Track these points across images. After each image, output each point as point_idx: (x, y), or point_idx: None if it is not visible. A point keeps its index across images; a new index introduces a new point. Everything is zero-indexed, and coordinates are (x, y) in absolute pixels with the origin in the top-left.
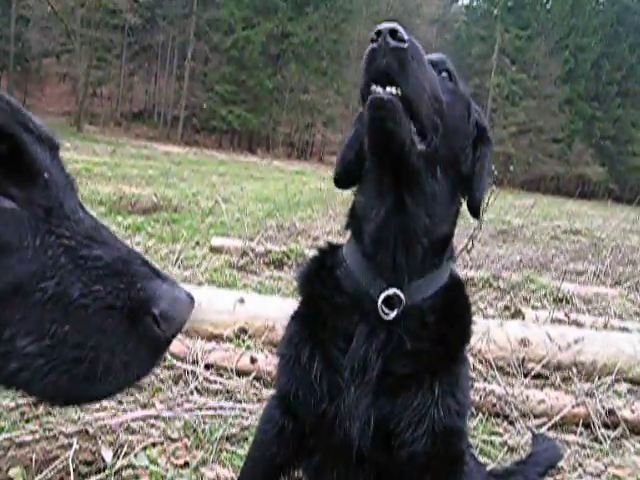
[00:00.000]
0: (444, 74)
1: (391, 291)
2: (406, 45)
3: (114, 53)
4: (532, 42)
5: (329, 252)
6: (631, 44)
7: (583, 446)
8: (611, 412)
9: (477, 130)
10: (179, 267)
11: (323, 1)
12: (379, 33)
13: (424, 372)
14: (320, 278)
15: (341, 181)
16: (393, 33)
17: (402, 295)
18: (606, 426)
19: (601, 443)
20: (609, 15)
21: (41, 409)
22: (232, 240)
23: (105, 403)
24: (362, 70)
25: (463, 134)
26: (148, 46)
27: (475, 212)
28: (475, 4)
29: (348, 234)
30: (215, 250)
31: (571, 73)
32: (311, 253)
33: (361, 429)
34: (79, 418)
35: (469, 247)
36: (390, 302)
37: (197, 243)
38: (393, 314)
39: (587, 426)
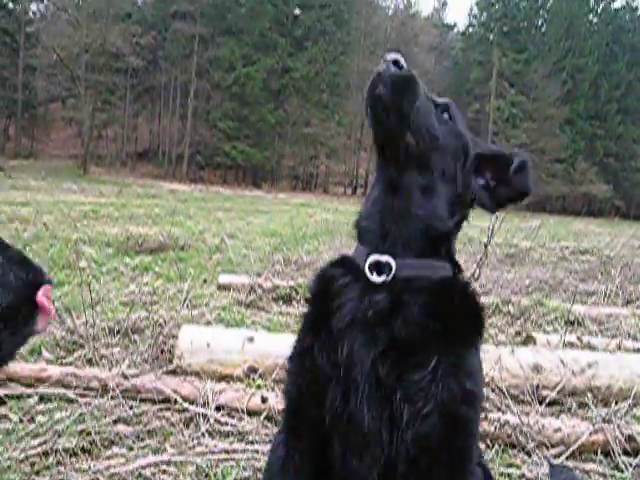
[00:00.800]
0: (445, 115)
1: (378, 257)
2: (404, 72)
3: (118, 95)
4: (529, 65)
5: (338, 259)
6: (628, 62)
7: (604, 475)
8: (631, 438)
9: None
10: (187, 307)
11: (321, 35)
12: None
13: (425, 346)
14: (330, 269)
15: None
16: (395, 62)
17: (392, 262)
18: (626, 453)
19: (622, 471)
20: (604, 35)
21: (51, 459)
22: (239, 277)
23: (116, 450)
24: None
25: (454, 162)
26: (151, 87)
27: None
28: (471, 30)
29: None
30: (223, 288)
31: (570, 93)
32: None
33: (365, 377)
34: (90, 467)
35: (476, 274)
36: (380, 269)
37: (204, 281)
38: (381, 278)
39: (607, 454)
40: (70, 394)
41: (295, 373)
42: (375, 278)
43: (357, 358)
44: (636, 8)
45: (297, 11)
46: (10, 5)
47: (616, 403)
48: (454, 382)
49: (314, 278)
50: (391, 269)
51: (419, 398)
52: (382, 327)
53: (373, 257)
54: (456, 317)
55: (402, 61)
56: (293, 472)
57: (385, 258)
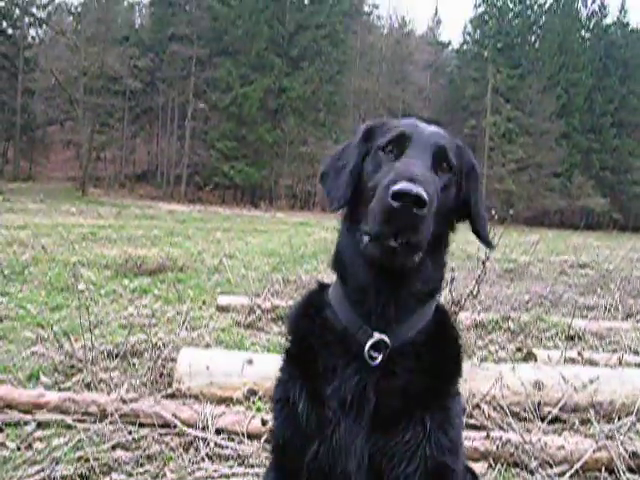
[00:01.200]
0: (442, 172)
1: (377, 337)
2: (426, 211)
3: (116, 117)
4: (524, 80)
5: (318, 292)
6: (620, 76)
7: None
8: (635, 455)
9: (466, 169)
10: (186, 329)
11: (317, 55)
12: (399, 196)
13: (415, 407)
14: (308, 318)
15: (340, 208)
16: (417, 202)
17: (388, 340)
18: (631, 470)
19: None
20: (596, 50)
21: None
22: (238, 298)
23: (115, 476)
24: (378, 220)
25: (449, 213)
26: (149, 108)
27: (487, 244)
28: (465, 48)
29: (334, 276)
30: (222, 309)
31: (565, 108)
32: (303, 293)
33: (357, 464)
34: None
35: (475, 292)
36: (377, 345)
37: (204, 302)
38: (378, 360)
39: (611, 471)
40: (68, 420)
41: (280, 419)
42: (374, 362)
43: (349, 440)
44: (627, 24)
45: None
46: (9, 30)
47: (619, 419)
48: (443, 436)
49: (292, 317)
50: (387, 347)
51: (408, 457)
52: (373, 406)
53: (371, 341)
54: (441, 369)
55: (424, 197)
56: None
57: (381, 337)
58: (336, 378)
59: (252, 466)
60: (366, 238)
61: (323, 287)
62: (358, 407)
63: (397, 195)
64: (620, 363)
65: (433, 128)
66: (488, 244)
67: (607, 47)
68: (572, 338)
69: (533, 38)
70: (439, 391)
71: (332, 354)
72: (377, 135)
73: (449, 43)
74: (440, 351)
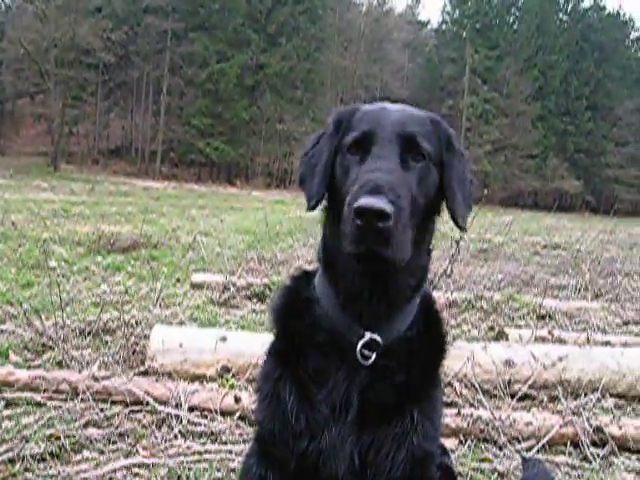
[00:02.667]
0: (415, 162)
1: (369, 337)
2: (391, 223)
3: (89, 91)
4: (502, 62)
5: (303, 281)
6: (596, 60)
7: (573, 467)
8: (599, 429)
9: (445, 142)
10: (160, 306)
11: (295, 31)
12: (361, 214)
13: (405, 402)
14: (296, 313)
15: (314, 208)
16: (379, 216)
17: (379, 339)
18: (595, 444)
19: (591, 462)
20: (573, 33)
21: (18, 466)
22: (213, 275)
23: (86, 454)
24: (349, 239)
25: (434, 193)
26: (123, 83)
27: (461, 228)
28: (444, 27)
29: (317, 263)
30: (196, 286)
31: (541, 90)
32: (285, 282)
33: (347, 466)
34: (59, 473)
35: (448, 272)
36: (368, 345)
37: (178, 280)
38: (371, 360)
39: (576, 445)
40: (38, 398)
41: (267, 412)
42: (365, 362)
43: (340, 443)
44: (604, 8)
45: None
46: None
47: (585, 395)
48: (429, 425)
49: (278, 311)
50: (378, 345)
51: (395, 448)
52: (362, 403)
53: (362, 341)
54: (429, 361)
55: (388, 210)
56: None
57: (373, 336)
58: (327, 381)
59: (225, 443)
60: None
61: (307, 275)
62: (349, 411)
63: (359, 213)
64: (588, 342)
65: (400, 113)
66: (460, 226)
67: (584, 30)
68: (543, 317)
69: (511, 19)
70: (427, 382)
71: (322, 355)
72: (346, 126)
73: (428, 22)
74: (428, 343)
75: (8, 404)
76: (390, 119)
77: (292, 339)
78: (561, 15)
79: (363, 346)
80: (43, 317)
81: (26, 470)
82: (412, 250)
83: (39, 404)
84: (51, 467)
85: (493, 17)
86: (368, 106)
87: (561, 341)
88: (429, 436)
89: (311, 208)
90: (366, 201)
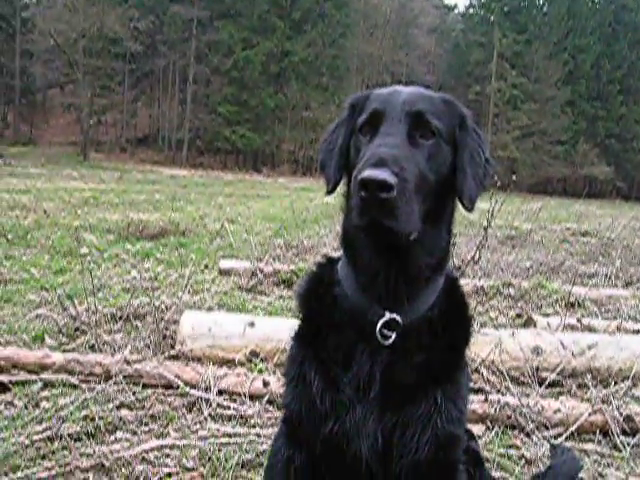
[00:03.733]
0: (424, 139)
1: (388, 316)
2: (394, 194)
3: (116, 80)
4: (530, 46)
5: (327, 267)
6: (630, 41)
7: (602, 455)
8: (629, 418)
9: (458, 121)
10: (189, 292)
11: (320, 17)
12: (365, 185)
13: (428, 383)
14: (319, 296)
15: (332, 191)
16: (382, 187)
17: (399, 318)
18: (625, 433)
19: (620, 451)
20: (606, 15)
21: (56, 444)
22: (240, 262)
23: (120, 434)
24: (356, 212)
25: (447, 171)
26: (150, 72)
27: (468, 208)
28: (471, 11)
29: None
30: (224, 273)
31: (571, 74)
32: (311, 268)
33: (370, 445)
34: (94, 452)
35: (476, 258)
36: (388, 324)
37: (206, 266)
38: (391, 339)
39: (605, 434)
40: (73, 380)
41: (293, 394)
42: (386, 341)
43: (363, 423)
44: None
45: None
46: None
47: (615, 384)
48: (453, 408)
49: (302, 296)
50: (398, 324)
51: (419, 430)
52: (384, 383)
53: (382, 320)
54: (452, 343)
55: (390, 181)
56: (295, 474)
57: (393, 316)
58: (349, 361)
59: (254, 426)
60: (353, 216)
61: (332, 261)
62: (371, 390)
63: (363, 184)
64: (619, 330)
65: (410, 93)
66: (465, 207)
67: (617, 11)
68: (572, 305)
69: (541, 1)
70: (450, 365)
71: (343, 335)
72: (360, 109)
73: (455, 6)
74: (451, 325)
75: (45, 385)
76: (400, 99)
77: (314, 321)
78: None
79: (383, 326)
80: (76, 302)
81: (64, 448)
82: (427, 227)
83: (74, 386)
84: (87, 446)
85: (521, 0)
86: (381, 89)
87: (591, 329)
88: (453, 419)
89: (329, 191)
90: (369, 173)
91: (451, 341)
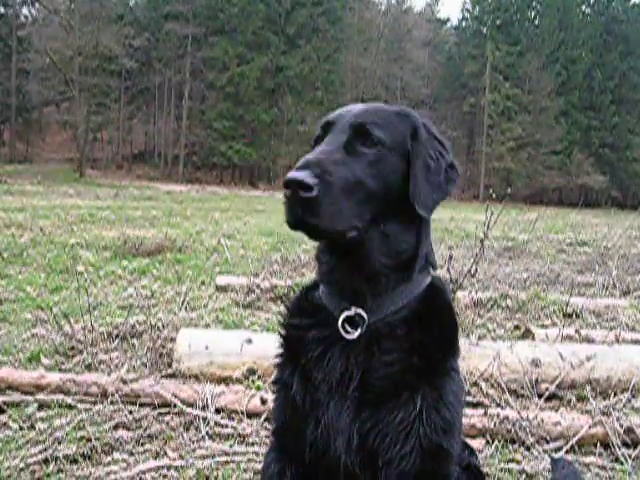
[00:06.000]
0: (365, 148)
1: (352, 311)
2: (314, 193)
3: (112, 98)
4: (523, 57)
5: (314, 282)
6: (621, 52)
7: (604, 468)
8: (630, 430)
9: (410, 132)
10: (185, 309)
11: (314, 32)
12: (287, 185)
13: (402, 386)
14: (299, 303)
15: None
16: (301, 186)
17: (364, 313)
18: (626, 445)
19: (622, 464)
20: (597, 26)
21: (52, 466)
22: (237, 278)
23: (116, 455)
24: (285, 209)
25: (395, 179)
26: (145, 88)
27: (422, 213)
28: (464, 24)
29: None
30: (221, 289)
31: (564, 85)
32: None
33: (345, 443)
34: (90, 474)
35: (473, 271)
36: (354, 321)
37: (202, 283)
38: (356, 333)
39: (606, 446)
40: (69, 400)
41: (278, 402)
42: (349, 336)
43: (337, 420)
44: None
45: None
46: (1, 9)
47: (615, 395)
48: (435, 416)
49: (286, 307)
50: (364, 320)
51: (402, 438)
52: (360, 381)
53: (345, 314)
54: (434, 345)
55: (307, 181)
56: None
57: (356, 311)
58: (323, 360)
59: (252, 444)
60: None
61: (315, 305)
62: (344, 387)
63: (286, 184)
64: (617, 340)
65: (361, 107)
66: (420, 211)
67: (608, 22)
68: (570, 316)
69: (533, 14)
70: (428, 370)
71: (317, 334)
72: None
73: (448, 20)
74: (428, 328)
75: (41, 406)
76: (351, 113)
77: (291, 322)
78: (584, 8)
79: (347, 320)
80: (72, 321)
81: (59, 471)
82: (376, 229)
83: (70, 406)
84: (83, 468)
85: (514, 12)
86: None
87: (589, 340)
88: (437, 428)
89: None
90: (291, 174)
91: (428, 345)
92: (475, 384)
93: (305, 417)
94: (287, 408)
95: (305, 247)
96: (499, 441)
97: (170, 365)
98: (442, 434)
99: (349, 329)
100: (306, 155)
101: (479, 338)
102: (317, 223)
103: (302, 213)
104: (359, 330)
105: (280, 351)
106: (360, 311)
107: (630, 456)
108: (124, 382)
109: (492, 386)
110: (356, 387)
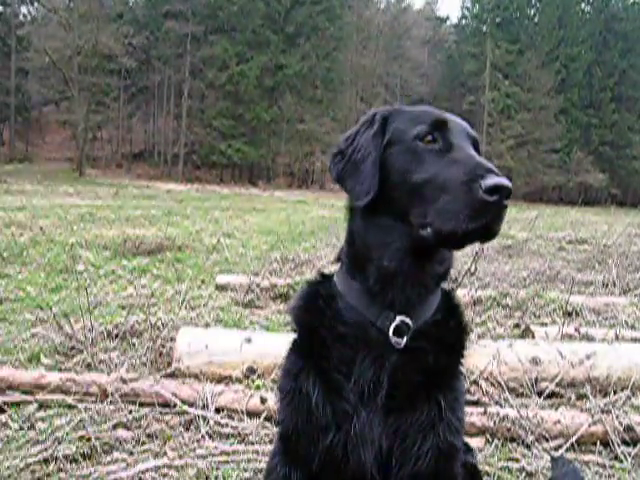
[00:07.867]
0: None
1: (399, 320)
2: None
3: (112, 96)
4: (523, 56)
5: (322, 283)
6: (621, 50)
7: (603, 466)
8: (629, 428)
9: None
10: (185, 308)
11: (314, 31)
12: (498, 190)
13: (431, 387)
14: (318, 309)
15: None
16: (509, 194)
17: (410, 322)
18: (625, 443)
19: (622, 462)
20: (596, 24)
21: (52, 466)
22: (237, 277)
23: (116, 454)
24: (464, 216)
25: None
26: (145, 87)
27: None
28: (464, 23)
29: (339, 266)
30: (221, 288)
31: (564, 83)
32: (304, 285)
33: (374, 452)
34: (90, 473)
35: (472, 269)
36: (398, 329)
37: (202, 282)
38: (403, 341)
39: (606, 444)
40: (69, 400)
41: (290, 408)
42: (398, 345)
43: (368, 430)
44: None
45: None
46: (0, 8)
47: (614, 393)
48: (453, 417)
49: (299, 310)
50: (409, 328)
51: (421, 437)
52: (388, 389)
53: (394, 323)
54: (452, 349)
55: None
56: None
57: (401, 319)
58: (352, 370)
59: (252, 443)
60: (427, 231)
61: (326, 278)
62: (377, 396)
63: (493, 190)
64: (617, 338)
65: (454, 116)
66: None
67: (607, 20)
68: (570, 314)
69: (532, 12)
70: (450, 371)
71: (346, 346)
72: (396, 123)
73: (447, 18)
74: (451, 330)
75: (41, 406)
76: (456, 120)
77: (314, 334)
78: (583, 5)
79: (394, 330)
80: (72, 320)
81: (59, 470)
82: None
83: (70, 406)
84: (83, 468)
85: (513, 11)
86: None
87: (589, 338)
88: (452, 429)
89: (367, 202)
90: (502, 180)
91: (452, 346)
92: (475, 382)
93: (323, 426)
94: (300, 416)
95: (305, 245)
96: (499, 439)
97: (170, 364)
98: (456, 434)
99: (395, 338)
100: (476, 157)
101: (479, 337)
102: (498, 230)
103: (492, 219)
104: (405, 338)
105: (295, 360)
106: (406, 319)
107: (630, 454)
108: (124, 381)
109: (492, 384)
110: (386, 393)
